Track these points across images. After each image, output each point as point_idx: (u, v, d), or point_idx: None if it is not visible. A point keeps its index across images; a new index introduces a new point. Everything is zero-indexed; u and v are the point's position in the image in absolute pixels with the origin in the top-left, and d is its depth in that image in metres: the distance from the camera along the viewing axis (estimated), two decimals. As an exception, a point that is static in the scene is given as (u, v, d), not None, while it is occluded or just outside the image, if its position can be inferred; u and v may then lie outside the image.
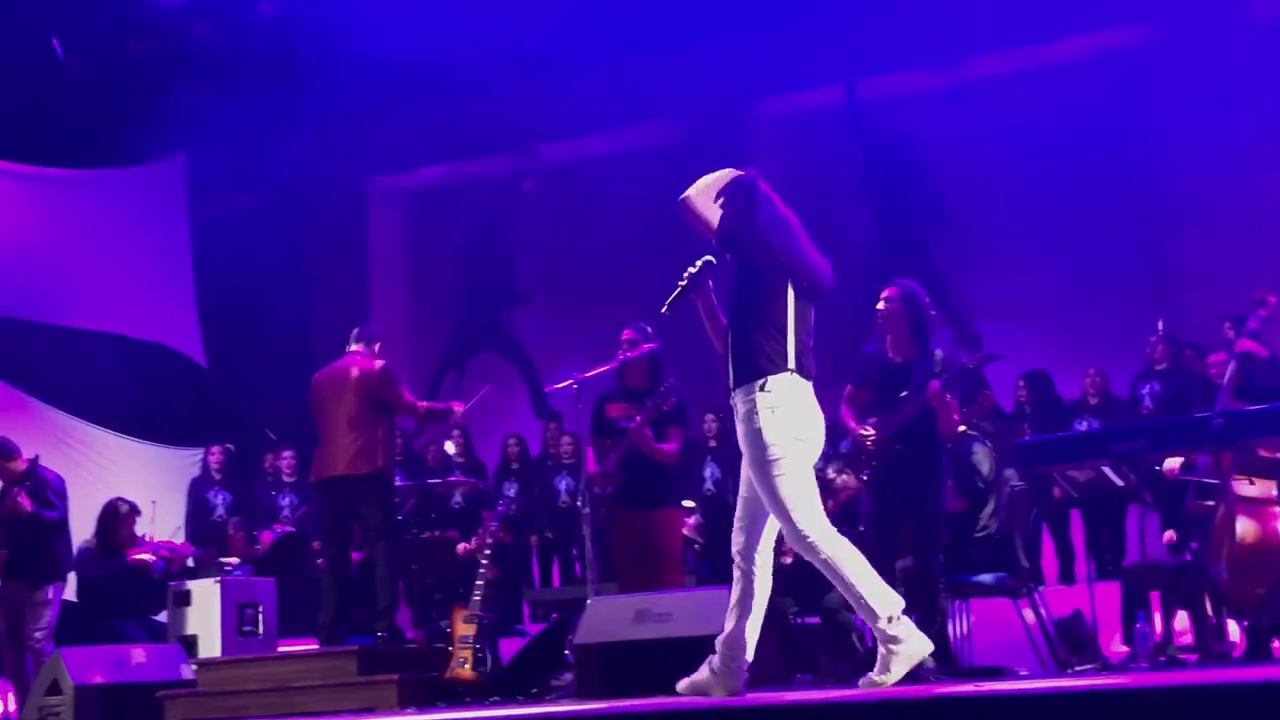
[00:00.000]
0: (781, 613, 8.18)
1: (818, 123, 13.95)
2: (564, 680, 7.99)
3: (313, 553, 11.56)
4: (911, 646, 5.50)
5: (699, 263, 5.92)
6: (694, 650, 5.75)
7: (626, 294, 11.43)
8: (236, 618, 9.44)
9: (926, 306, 7.37)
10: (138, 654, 8.76)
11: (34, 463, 9.73)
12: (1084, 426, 10.69)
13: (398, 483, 9.17)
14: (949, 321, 12.30)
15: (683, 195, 5.79)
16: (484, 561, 8.65)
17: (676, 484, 8.51)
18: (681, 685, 5.64)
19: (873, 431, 7.23)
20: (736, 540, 5.74)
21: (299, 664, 8.32)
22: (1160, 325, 11.09)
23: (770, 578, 5.73)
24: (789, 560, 9.10)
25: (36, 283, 13.41)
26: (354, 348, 8.76)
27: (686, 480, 9.62)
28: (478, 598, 8.37)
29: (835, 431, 10.82)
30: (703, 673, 5.66)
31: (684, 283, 5.91)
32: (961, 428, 7.55)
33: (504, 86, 13.88)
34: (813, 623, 8.84)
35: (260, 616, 9.51)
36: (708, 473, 11.50)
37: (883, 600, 5.52)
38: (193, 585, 9.64)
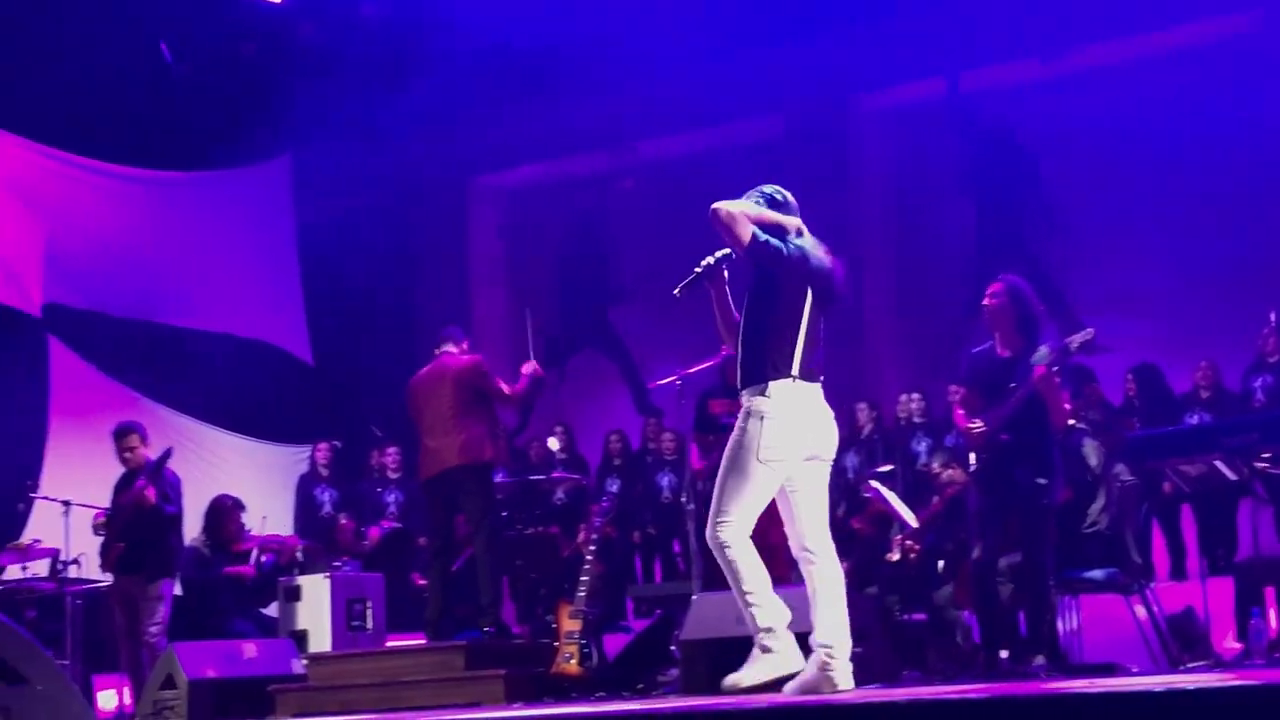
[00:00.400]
0: (889, 610, 8.14)
1: (920, 116, 13.84)
2: (670, 676, 8.01)
3: (418, 549, 11.67)
4: (781, 659, 5.59)
5: (717, 254, 5.96)
6: (801, 647, 5.73)
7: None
8: (346, 613, 9.55)
9: (1033, 301, 7.30)
10: (249, 649, 8.88)
11: (166, 456, 9.66)
12: (1195, 420, 10.54)
13: (499, 479, 9.24)
14: (1056, 316, 12.15)
15: (716, 205, 5.79)
16: (589, 557, 8.68)
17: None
18: (789, 688, 5.62)
19: (980, 424, 7.16)
20: (791, 537, 5.77)
21: (407, 659, 8.41)
22: (1272, 317, 10.91)
23: (835, 561, 5.72)
24: (895, 557, 9.08)
25: (146, 283, 13.64)
26: (446, 348, 8.93)
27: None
28: (583, 593, 8.38)
29: (943, 429, 10.84)
30: (809, 671, 5.64)
31: (699, 270, 5.93)
32: (1070, 421, 7.46)
33: (602, 84, 13.88)
34: (920, 619, 8.81)
35: (369, 611, 9.61)
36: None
37: (770, 613, 5.61)
38: (303, 580, 9.77)
